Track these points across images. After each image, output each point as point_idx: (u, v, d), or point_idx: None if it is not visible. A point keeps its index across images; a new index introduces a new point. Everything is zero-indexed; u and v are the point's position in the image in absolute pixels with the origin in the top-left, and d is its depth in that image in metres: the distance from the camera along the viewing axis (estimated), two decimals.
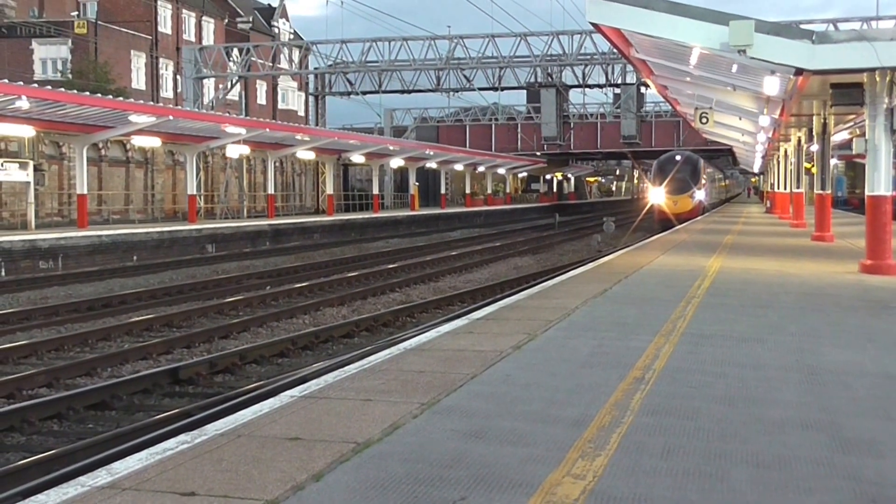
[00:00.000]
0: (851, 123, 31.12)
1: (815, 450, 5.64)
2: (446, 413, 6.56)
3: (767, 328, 10.47)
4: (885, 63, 15.14)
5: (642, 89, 66.38)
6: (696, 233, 31.83)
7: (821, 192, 27.77)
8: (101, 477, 5.19)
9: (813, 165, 32.88)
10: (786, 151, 43.14)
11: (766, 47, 15.19)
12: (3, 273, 26.61)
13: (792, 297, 13.45)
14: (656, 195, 50.50)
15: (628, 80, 66.05)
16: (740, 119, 34.74)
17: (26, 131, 33.23)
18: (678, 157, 53.08)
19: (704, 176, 54.90)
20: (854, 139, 26.05)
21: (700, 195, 52.05)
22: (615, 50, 24.11)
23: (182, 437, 6.10)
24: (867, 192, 17.02)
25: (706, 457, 5.49)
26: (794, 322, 10.97)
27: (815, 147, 28.94)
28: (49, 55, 61.26)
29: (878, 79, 16.08)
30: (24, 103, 28.45)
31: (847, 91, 17.18)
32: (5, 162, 32.91)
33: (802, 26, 17.18)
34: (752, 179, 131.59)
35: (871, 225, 17.04)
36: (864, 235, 17.83)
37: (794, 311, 11.94)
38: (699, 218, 48.38)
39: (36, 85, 34.17)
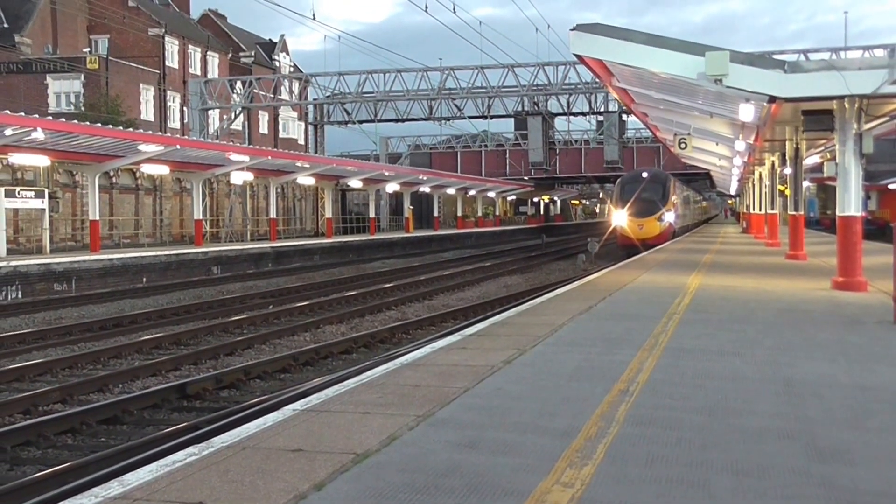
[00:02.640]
0: (822, 148, 31.21)
1: (792, 458, 5.64)
2: (441, 425, 6.54)
3: (745, 342, 10.47)
4: (854, 91, 15.21)
5: (624, 117, 66.57)
6: (676, 252, 31.86)
7: (794, 213, 27.86)
8: (113, 488, 5.17)
9: (786, 188, 32.95)
10: (760, 175, 43.31)
11: (741, 76, 15.26)
12: (20, 295, 26.56)
13: (768, 313, 13.45)
14: (619, 218, 43.72)
15: (611, 108, 66.30)
16: (717, 144, 34.87)
17: (42, 161, 33.23)
18: (644, 175, 46.36)
19: (674, 195, 47.11)
20: (825, 163, 26.10)
21: (669, 217, 44.59)
22: (598, 80, 24.18)
23: (190, 449, 6.08)
24: (838, 213, 17.05)
25: (688, 465, 5.48)
26: (771, 336, 10.97)
27: (788, 170, 29.03)
28: (63, 89, 61.40)
29: (846, 105, 16.13)
30: (39, 135, 28.47)
31: (818, 117, 17.24)
32: (22, 190, 32.97)
33: (775, 56, 17.22)
34: (729, 201, 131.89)
35: (842, 244, 17.07)
36: (835, 254, 17.84)
37: (770, 326, 11.94)
38: (678, 238, 47.41)
39: (50, 117, 34.22)
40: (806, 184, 45.98)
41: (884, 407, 7.13)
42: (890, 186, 58.10)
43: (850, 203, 16.72)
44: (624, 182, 46.35)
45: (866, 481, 5.18)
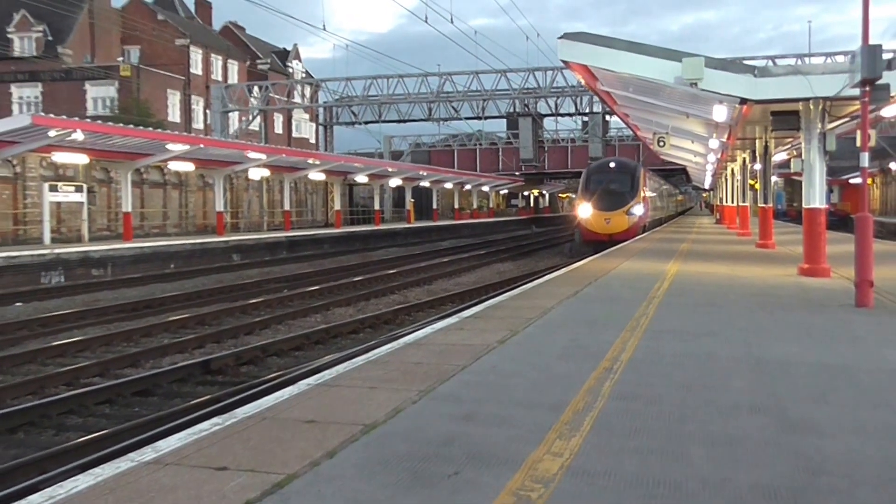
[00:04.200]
0: (789, 145, 31.17)
1: (764, 430, 5.61)
2: (441, 399, 6.52)
3: (719, 324, 10.44)
4: (818, 93, 15.17)
5: (607, 117, 66.40)
6: (655, 241, 31.80)
7: (763, 205, 27.82)
8: (147, 454, 5.19)
9: (756, 182, 32.95)
10: (732, 170, 43.21)
11: (715, 80, 15.22)
12: (62, 279, 26.61)
13: (740, 297, 13.42)
14: (584, 211, 36.99)
15: (595, 110, 65.98)
16: (693, 142, 34.79)
17: (81, 159, 33.28)
18: (612, 165, 39.53)
19: (645, 187, 39.72)
20: (792, 159, 26.14)
21: (638, 211, 37.23)
22: (583, 83, 24.08)
23: (215, 419, 6.08)
24: (804, 206, 17.00)
25: (668, 437, 5.45)
26: (743, 318, 10.94)
27: (758, 166, 28.99)
28: (99, 94, 61.92)
29: (811, 107, 16.09)
30: (79, 135, 28.53)
31: (785, 118, 17.19)
32: (63, 185, 33.17)
33: (746, 62, 17.13)
34: (704, 194, 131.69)
35: (808, 234, 17.02)
36: (801, 243, 17.80)
37: (743, 309, 11.90)
38: (658, 228, 46.77)
39: (89, 120, 34.17)
40: (774, 178, 46.00)
41: (846, 383, 7.10)
42: (851, 181, 58.09)
43: (815, 196, 16.67)
44: (590, 172, 39.27)
45: (831, 450, 5.16)
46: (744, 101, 15.93)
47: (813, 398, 6.52)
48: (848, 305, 12.09)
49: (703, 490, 4.45)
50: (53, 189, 31.87)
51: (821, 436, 5.48)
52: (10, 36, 64.18)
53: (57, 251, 27.42)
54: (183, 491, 4.45)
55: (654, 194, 48.18)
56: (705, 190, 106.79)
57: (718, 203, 67.13)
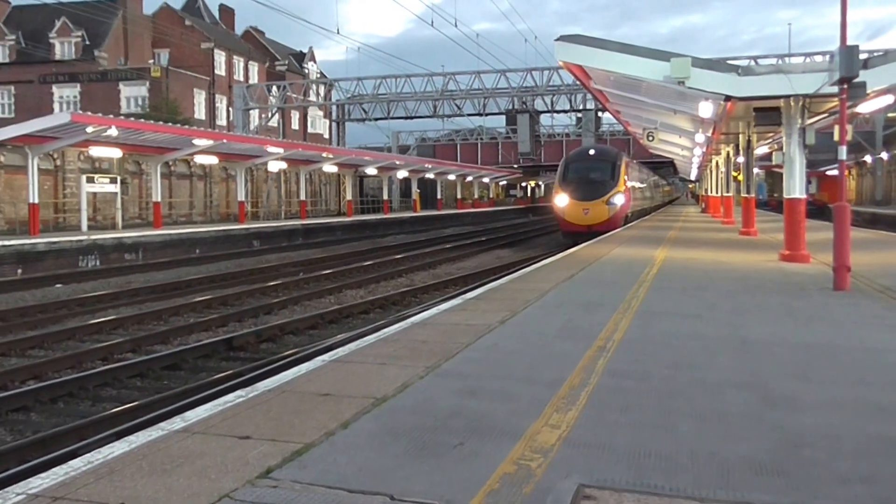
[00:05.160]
0: (771, 139, 31.00)
1: (748, 406, 5.55)
2: (446, 375, 6.48)
3: (705, 306, 10.36)
4: (798, 91, 15.05)
5: (600, 113, 66.14)
6: (645, 229, 31.66)
7: (746, 195, 27.72)
8: (176, 423, 5.22)
9: (739, 174, 32.77)
10: (717, 162, 43.04)
11: (701, 79, 15.10)
12: (98, 263, 26.74)
13: (725, 281, 13.33)
14: (561, 201, 32.59)
15: (588, 107, 65.64)
16: (680, 136, 34.67)
17: (115, 153, 33.44)
18: (591, 153, 35.01)
19: (626, 176, 34.69)
20: (773, 152, 25.95)
21: (619, 200, 32.61)
22: (578, 82, 23.89)
23: (238, 392, 6.09)
24: (785, 196, 16.90)
25: (658, 411, 5.40)
26: (728, 301, 10.86)
27: (741, 159, 28.84)
28: (132, 94, 62.40)
29: (792, 104, 15.98)
30: (113, 131, 28.69)
31: (767, 114, 17.06)
32: (99, 177, 33.51)
33: (730, 62, 17.00)
34: (690, 185, 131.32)
35: (789, 222, 16.94)
36: (782, 231, 17.72)
37: (727, 293, 11.82)
38: (647, 217, 46.25)
39: (122, 117, 34.19)
40: (756, 170, 45.67)
41: (825, 362, 7.04)
42: (828, 173, 57.93)
43: (795, 187, 16.58)
44: (568, 161, 34.69)
45: (811, 424, 5.11)
46: (728, 98, 15.82)
47: (795, 376, 6.46)
48: (827, 289, 12.01)
49: (692, 462, 4.40)
50: (90, 180, 32.22)
51: (802, 411, 5.42)
52: (51, 41, 65.06)
53: (93, 237, 27.56)
54: (210, 457, 4.47)
55: (638, 184, 43.44)
56: (691, 181, 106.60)
57: (704, 193, 66.94)
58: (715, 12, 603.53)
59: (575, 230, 31.50)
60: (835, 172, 55.76)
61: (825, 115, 18.69)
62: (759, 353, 7.34)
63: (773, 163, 17.45)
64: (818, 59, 44.69)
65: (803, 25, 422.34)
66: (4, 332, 14.28)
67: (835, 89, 12.59)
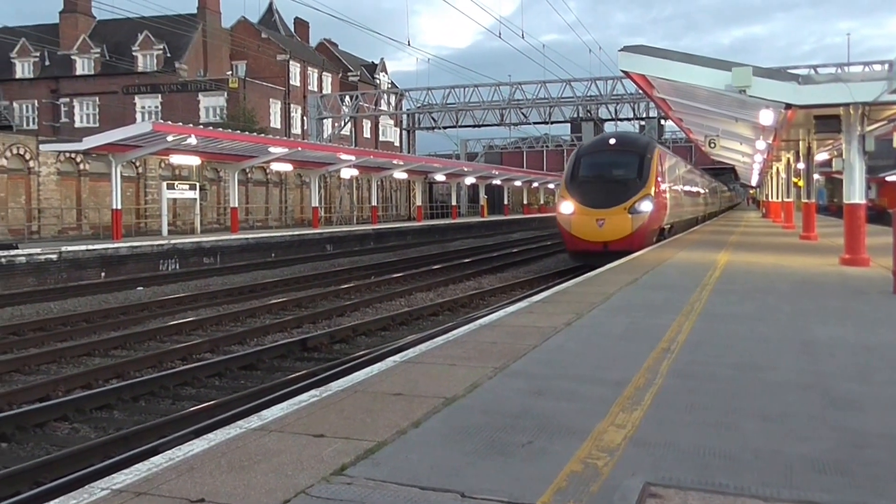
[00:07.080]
0: (831, 146, 30.28)
1: (809, 406, 5.46)
2: (514, 375, 6.48)
3: (767, 309, 10.19)
4: (857, 99, 14.72)
5: (662, 121, 65.38)
6: (707, 234, 31.18)
7: (807, 201, 27.18)
8: (253, 421, 5.24)
9: (800, 180, 32.09)
10: (778, 169, 42.20)
11: (762, 87, 14.84)
12: (177, 267, 27.17)
13: (786, 285, 13.09)
14: (566, 209, 22.82)
15: (651, 115, 65.02)
16: (741, 144, 34.05)
17: (194, 161, 33.97)
18: (612, 142, 24.55)
19: (661, 173, 24.18)
20: (833, 159, 25.35)
21: (647, 207, 22.44)
22: (641, 91, 23.37)
23: (312, 391, 6.12)
24: (845, 201, 16.55)
25: (722, 411, 5.34)
26: (789, 304, 10.67)
27: (801, 165, 28.28)
28: (211, 104, 63.23)
29: (851, 111, 15.66)
30: (192, 140, 29.16)
31: (827, 121, 16.72)
32: (179, 184, 34.11)
33: (790, 71, 16.71)
34: (751, 191, 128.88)
35: (849, 227, 16.60)
36: (842, 235, 17.33)
37: (788, 296, 11.61)
38: (708, 222, 45.03)
39: (202, 127, 34.90)
40: (816, 176, 44.60)
41: (886, 363, 6.88)
42: (888, 178, 56.41)
43: (855, 193, 16.23)
44: (580, 153, 24.56)
45: (872, 425, 5.00)
46: (788, 106, 15.52)
47: (855, 377, 6.33)
48: (886, 292, 11.72)
49: (755, 461, 4.34)
50: (171, 187, 32.81)
51: (863, 412, 5.31)
52: (134, 54, 66.29)
53: (173, 242, 28.03)
54: (286, 455, 4.50)
55: (684, 185, 32.84)
56: (752, 187, 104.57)
57: (764, 199, 65.65)
58: (776, 23, 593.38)
59: (585, 249, 22.49)
60: (894, 178, 54.40)
61: (884, 122, 18.22)
62: (821, 355, 7.20)
63: (833, 169, 16.93)
64: (877, 68, 43.48)
65: (862, 35, 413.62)
66: (89, 333, 14.60)
67: (894, 97, 12.28)
